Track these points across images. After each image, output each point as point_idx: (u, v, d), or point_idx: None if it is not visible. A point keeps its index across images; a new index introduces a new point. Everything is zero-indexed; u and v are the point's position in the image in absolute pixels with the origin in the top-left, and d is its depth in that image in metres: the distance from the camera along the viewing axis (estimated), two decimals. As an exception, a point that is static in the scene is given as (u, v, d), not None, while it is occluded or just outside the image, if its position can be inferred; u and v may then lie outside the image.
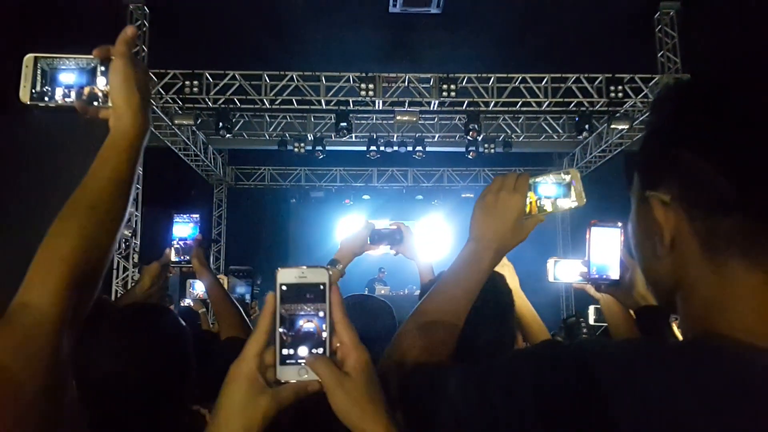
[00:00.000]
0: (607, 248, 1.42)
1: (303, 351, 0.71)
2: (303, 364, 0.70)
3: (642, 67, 9.12)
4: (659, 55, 9.03)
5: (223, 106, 9.53)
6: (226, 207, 13.56)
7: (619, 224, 1.43)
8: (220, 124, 9.47)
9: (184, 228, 1.80)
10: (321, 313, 0.71)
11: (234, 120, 10.15)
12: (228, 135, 9.71)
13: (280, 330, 0.71)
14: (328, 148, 10.89)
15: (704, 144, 0.62)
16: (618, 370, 0.60)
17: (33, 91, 0.87)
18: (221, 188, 13.55)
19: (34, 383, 0.72)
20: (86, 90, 0.88)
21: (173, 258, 1.81)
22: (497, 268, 1.81)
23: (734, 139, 0.61)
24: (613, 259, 1.42)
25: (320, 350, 0.71)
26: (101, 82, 0.89)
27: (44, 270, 0.78)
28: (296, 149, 10.78)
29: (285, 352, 0.71)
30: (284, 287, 0.72)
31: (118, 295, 8.71)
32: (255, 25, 8.55)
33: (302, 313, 0.71)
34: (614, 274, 1.43)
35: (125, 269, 9.03)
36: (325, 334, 0.71)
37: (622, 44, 9.08)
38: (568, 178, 0.95)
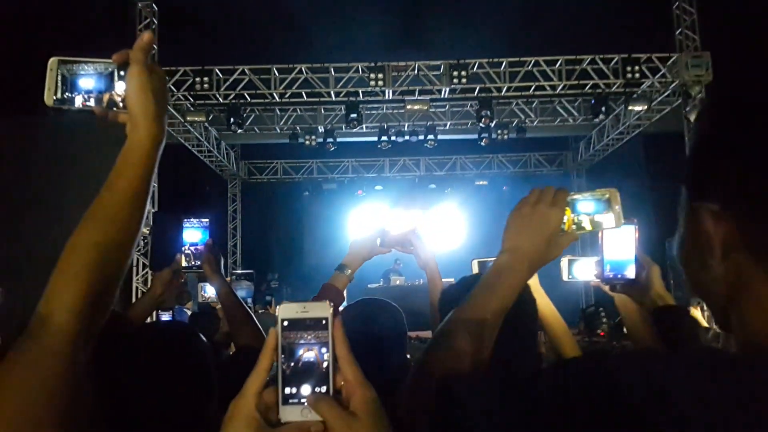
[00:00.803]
0: (621, 246, 1.38)
1: (306, 389, 0.68)
2: (306, 404, 0.68)
3: (659, 46, 8.91)
4: (677, 33, 8.81)
5: (233, 101, 9.50)
6: (241, 201, 13.60)
7: (634, 221, 1.37)
8: (231, 119, 9.46)
9: (194, 233, 1.75)
10: (324, 349, 0.69)
11: (245, 115, 10.13)
12: (239, 130, 9.70)
13: (282, 361, 0.68)
14: (339, 139, 10.84)
15: (753, 152, 0.60)
16: (684, 382, 0.58)
17: (56, 94, 0.89)
18: (235, 183, 13.58)
19: (50, 397, 0.75)
20: (105, 95, 0.90)
21: (184, 264, 1.77)
22: None
23: None
24: (628, 258, 1.38)
25: (323, 388, 0.68)
26: (120, 86, 0.90)
27: (63, 285, 0.80)
28: (307, 142, 10.74)
29: (287, 390, 0.68)
30: (286, 323, 0.69)
31: (139, 293, 8.78)
32: (262, 19, 8.51)
33: (303, 342, 0.69)
34: (630, 272, 1.39)
35: (144, 266, 9.09)
36: (326, 365, 0.69)
37: (639, 23, 8.89)
38: (606, 196, 0.93)
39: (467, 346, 0.88)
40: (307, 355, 0.68)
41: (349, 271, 1.82)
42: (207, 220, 1.77)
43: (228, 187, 13.48)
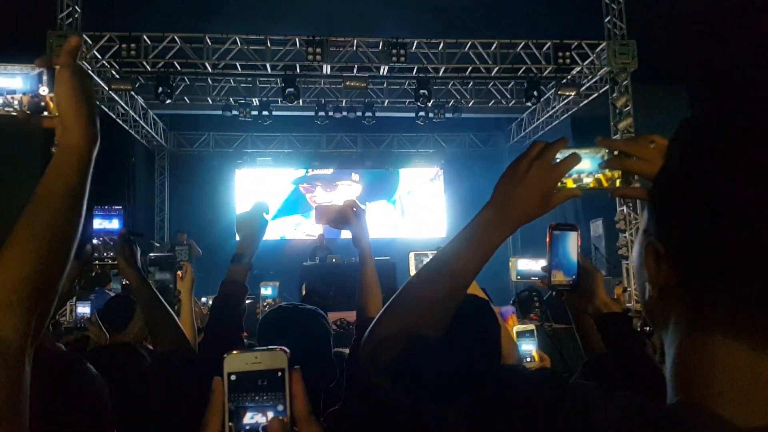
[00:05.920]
0: (565, 252, 1.33)
1: None
2: None
3: (589, 33, 9.17)
4: (606, 20, 9.09)
5: (162, 70, 9.08)
6: (169, 174, 13.11)
7: (576, 226, 1.34)
8: (160, 89, 9.03)
9: (105, 223, 1.65)
10: (280, 407, 0.61)
11: (174, 84, 9.70)
12: (168, 100, 9.28)
13: (231, 423, 0.61)
14: (275, 113, 10.59)
15: (711, 211, 0.54)
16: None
17: None
18: (163, 155, 13.06)
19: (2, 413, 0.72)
20: (29, 99, 0.87)
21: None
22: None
23: (741, 212, 0.52)
24: (571, 264, 1.34)
25: None
26: (44, 91, 0.88)
27: (6, 296, 0.77)
28: (241, 116, 10.43)
29: None
30: (234, 377, 0.61)
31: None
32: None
33: (255, 403, 0.61)
34: (573, 279, 1.34)
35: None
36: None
37: (570, 9, 9.10)
38: (602, 153, 0.87)
39: (439, 293, 0.84)
40: (260, 419, 0.61)
41: (246, 259, 1.67)
42: (119, 207, 1.67)
43: (155, 158, 12.95)
